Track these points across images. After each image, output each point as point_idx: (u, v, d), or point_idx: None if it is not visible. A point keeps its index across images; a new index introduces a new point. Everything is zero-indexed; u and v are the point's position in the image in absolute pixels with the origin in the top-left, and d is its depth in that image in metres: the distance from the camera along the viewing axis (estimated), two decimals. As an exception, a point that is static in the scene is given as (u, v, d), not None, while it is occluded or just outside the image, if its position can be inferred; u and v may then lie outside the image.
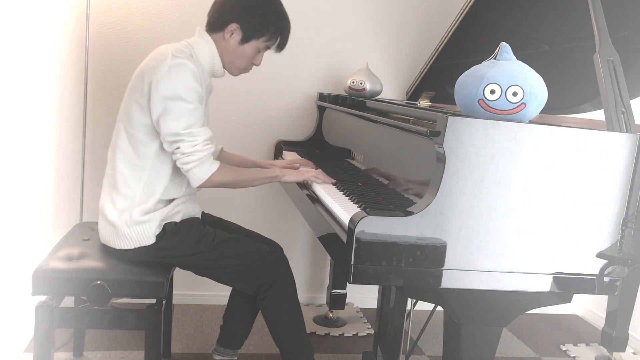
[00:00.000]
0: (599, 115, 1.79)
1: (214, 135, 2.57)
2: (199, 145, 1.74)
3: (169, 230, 1.83)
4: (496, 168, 1.35)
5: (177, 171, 1.84)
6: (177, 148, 1.73)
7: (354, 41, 2.88)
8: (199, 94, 1.75)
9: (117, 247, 1.82)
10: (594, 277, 1.44)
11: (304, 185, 1.98)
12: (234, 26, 1.83)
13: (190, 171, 1.75)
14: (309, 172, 1.96)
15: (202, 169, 1.75)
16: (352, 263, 1.29)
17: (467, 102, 1.41)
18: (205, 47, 1.86)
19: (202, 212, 2.07)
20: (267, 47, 1.91)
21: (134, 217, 1.79)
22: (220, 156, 2.18)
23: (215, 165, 1.78)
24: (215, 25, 1.86)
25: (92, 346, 2.36)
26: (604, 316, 2.60)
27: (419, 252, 1.32)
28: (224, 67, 1.92)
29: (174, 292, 2.67)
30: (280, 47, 1.93)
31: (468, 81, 1.41)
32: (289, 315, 1.90)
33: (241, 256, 1.87)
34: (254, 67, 1.96)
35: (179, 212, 1.87)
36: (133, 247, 1.81)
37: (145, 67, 1.79)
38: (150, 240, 1.81)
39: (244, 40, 1.86)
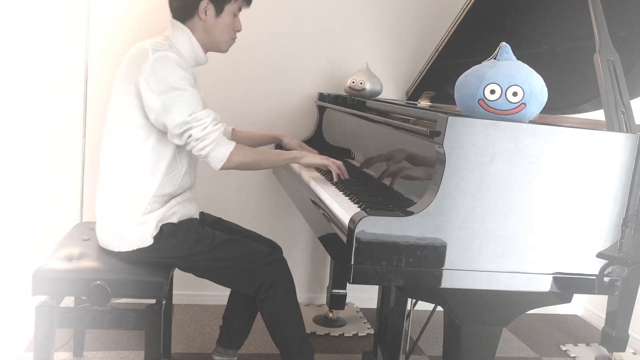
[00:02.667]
0: (599, 115, 1.79)
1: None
2: (209, 127, 1.74)
3: (166, 232, 1.83)
4: (496, 168, 1.35)
5: (170, 166, 1.84)
6: (189, 136, 1.73)
7: (354, 41, 2.88)
8: (189, 79, 1.76)
9: (116, 249, 1.82)
10: (594, 277, 1.43)
11: (304, 185, 1.98)
12: (204, 3, 1.83)
13: (210, 155, 1.75)
14: (329, 159, 1.94)
15: (220, 149, 1.76)
16: (352, 263, 1.29)
17: (467, 102, 1.41)
18: (183, 37, 1.85)
19: (201, 212, 2.07)
20: (240, 8, 1.91)
21: (130, 219, 1.79)
22: (233, 136, 2.20)
23: (232, 143, 1.79)
24: (184, 10, 1.85)
25: (92, 346, 2.36)
26: (604, 316, 2.60)
27: (419, 252, 1.32)
28: (213, 49, 1.92)
29: (174, 292, 2.67)
30: (249, 1, 1.94)
31: (468, 81, 1.41)
32: (288, 316, 1.90)
33: (240, 257, 1.87)
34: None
35: (176, 213, 1.87)
36: (131, 250, 1.81)
37: (127, 68, 1.78)
38: (147, 242, 1.80)
39: (219, 10, 1.85)
